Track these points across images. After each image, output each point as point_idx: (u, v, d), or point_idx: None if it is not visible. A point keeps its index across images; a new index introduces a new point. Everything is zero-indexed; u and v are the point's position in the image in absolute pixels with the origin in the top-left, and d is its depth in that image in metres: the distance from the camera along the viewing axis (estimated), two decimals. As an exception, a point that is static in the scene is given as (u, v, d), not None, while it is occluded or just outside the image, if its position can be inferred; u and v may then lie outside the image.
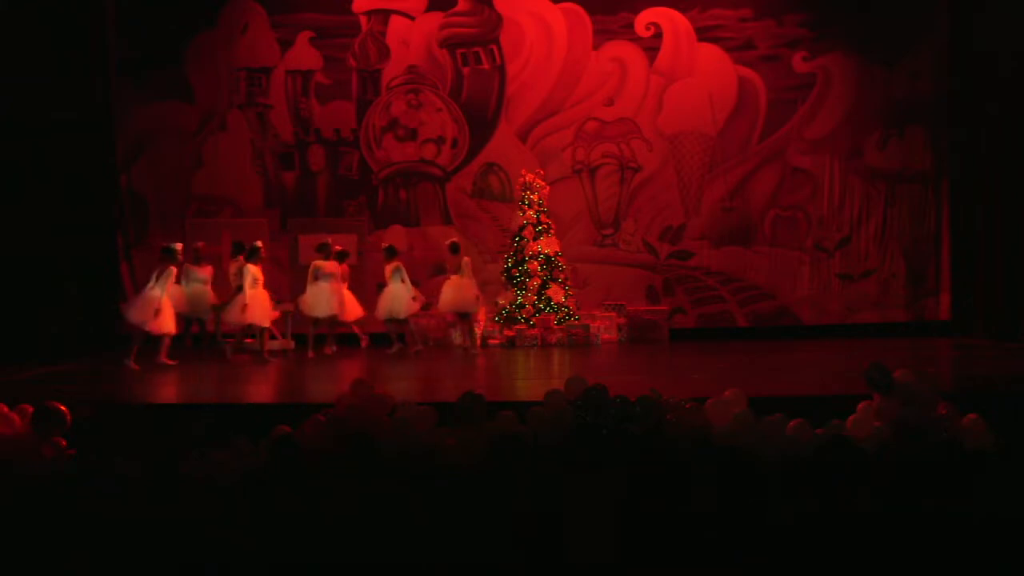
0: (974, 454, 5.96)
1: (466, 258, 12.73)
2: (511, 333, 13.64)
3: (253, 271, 11.67)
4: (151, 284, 11.13)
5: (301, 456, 5.99)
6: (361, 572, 5.46)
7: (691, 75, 14.74)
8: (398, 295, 12.45)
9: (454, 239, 13.10)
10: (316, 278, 12.30)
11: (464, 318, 12.79)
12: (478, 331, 13.51)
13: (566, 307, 13.88)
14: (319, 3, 14.75)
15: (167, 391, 9.96)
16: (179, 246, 11.63)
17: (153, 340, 11.66)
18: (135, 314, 11.12)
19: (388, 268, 12.58)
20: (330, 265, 12.37)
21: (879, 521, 5.47)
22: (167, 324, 11.22)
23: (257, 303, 11.64)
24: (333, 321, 12.59)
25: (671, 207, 14.79)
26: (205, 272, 12.47)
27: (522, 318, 13.77)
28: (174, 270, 11.31)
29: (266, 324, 11.88)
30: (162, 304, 11.13)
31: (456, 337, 13.43)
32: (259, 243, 12.02)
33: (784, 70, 14.66)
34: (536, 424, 6.29)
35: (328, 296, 12.31)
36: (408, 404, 6.55)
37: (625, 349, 13.37)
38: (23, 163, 12.64)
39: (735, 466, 5.75)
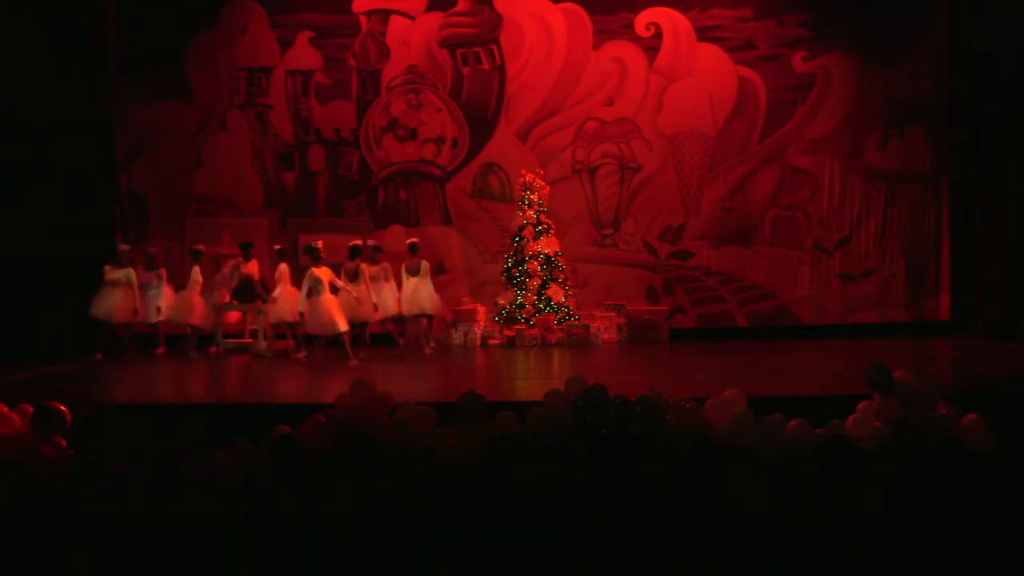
0: (974, 454, 5.96)
1: (425, 261, 12.86)
2: (511, 333, 13.64)
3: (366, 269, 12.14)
4: (308, 288, 11.41)
5: (301, 456, 5.98)
6: (361, 571, 5.45)
7: (691, 75, 14.71)
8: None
9: (413, 240, 13.16)
10: (411, 275, 12.59)
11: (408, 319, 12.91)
12: (477, 331, 13.58)
13: (566, 307, 13.88)
14: (319, 3, 14.73)
15: (167, 391, 9.97)
16: (320, 244, 11.86)
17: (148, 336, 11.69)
18: (314, 325, 11.52)
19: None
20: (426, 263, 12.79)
21: (879, 521, 5.47)
22: (342, 323, 11.53)
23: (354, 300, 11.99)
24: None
25: (671, 207, 14.77)
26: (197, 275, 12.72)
27: (522, 318, 13.77)
28: (315, 272, 11.53)
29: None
30: (332, 304, 11.49)
31: (456, 337, 13.51)
32: (372, 242, 12.47)
33: (784, 70, 14.63)
34: (536, 424, 6.28)
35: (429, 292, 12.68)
36: (408, 404, 6.55)
37: (625, 349, 13.37)
38: (23, 163, 12.67)
39: (735, 466, 5.75)
